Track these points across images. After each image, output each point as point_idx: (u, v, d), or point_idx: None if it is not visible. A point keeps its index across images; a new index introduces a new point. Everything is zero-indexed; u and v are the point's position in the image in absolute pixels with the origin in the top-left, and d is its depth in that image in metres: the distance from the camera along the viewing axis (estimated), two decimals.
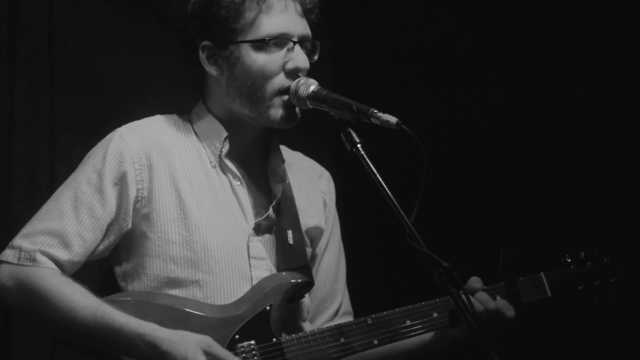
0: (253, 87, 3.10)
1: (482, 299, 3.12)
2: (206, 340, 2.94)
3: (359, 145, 2.90)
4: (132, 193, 3.07)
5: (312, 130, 3.61)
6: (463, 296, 2.74)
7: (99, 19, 4.23)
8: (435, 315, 3.14)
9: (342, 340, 3.09)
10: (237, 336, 3.03)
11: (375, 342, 3.11)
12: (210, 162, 3.18)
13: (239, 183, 3.19)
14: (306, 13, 3.17)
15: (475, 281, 3.16)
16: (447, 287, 2.73)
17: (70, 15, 4.20)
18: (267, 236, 3.20)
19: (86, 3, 4.22)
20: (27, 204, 4.10)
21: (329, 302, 3.35)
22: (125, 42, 4.24)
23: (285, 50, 3.11)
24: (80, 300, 2.96)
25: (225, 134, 3.17)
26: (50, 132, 4.18)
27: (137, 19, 4.24)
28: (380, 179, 2.84)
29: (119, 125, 3.18)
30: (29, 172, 4.15)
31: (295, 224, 3.25)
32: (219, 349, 2.94)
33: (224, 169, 3.19)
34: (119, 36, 4.24)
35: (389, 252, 4.31)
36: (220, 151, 3.17)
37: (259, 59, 3.10)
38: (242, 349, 3.02)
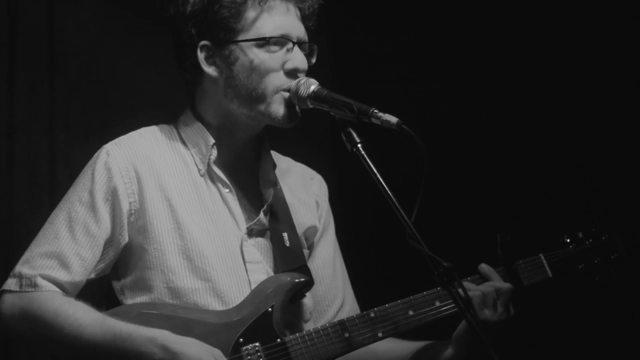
0: (253, 84, 3.10)
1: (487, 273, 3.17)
2: (218, 352, 2.95)
3: (359, 145, 2.91)
4: (125, 207, 3.07)
5: (310, 131, 3.61)
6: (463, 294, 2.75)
7: (99, 19, 4.23)
8: (437, 304, 3.14)
9: (346, 335, 3.08)
10: (241, 339, 3.03)
11: (380, 334, 3.10)
12: (199, 170, 3.17)
13: (227, 190, 3.18)
14: (304, 19, 3.18)
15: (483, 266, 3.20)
16: (447, 287, 2.74)
17: (70, 15, 4.20)
18: (260, 240, 3.20)
19: (86, 3, 4.21)
20: (27, 204, 4.10)
21: (330, 300, 3.35)
22: (125, 42, 4.24)
23: (284, 50, 3.12)
24: (85, 316, 2.97)
25: (212, 141, 3.16)
26: (50, 132, 4.18)
27: (138, 19, 4.23)
28: (380, 178, 2.85)
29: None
30: (29, 173, 4.15)
31: (290, 227, 3.24)
32: None
33: (212, 176, 3.18)
34: (119, 36, 4.24)
35: (388, 247, 4.30)
36: (209, 158, 3.17)
37: (259, 57, 3.10)
38: (247, 352, 3.03)
